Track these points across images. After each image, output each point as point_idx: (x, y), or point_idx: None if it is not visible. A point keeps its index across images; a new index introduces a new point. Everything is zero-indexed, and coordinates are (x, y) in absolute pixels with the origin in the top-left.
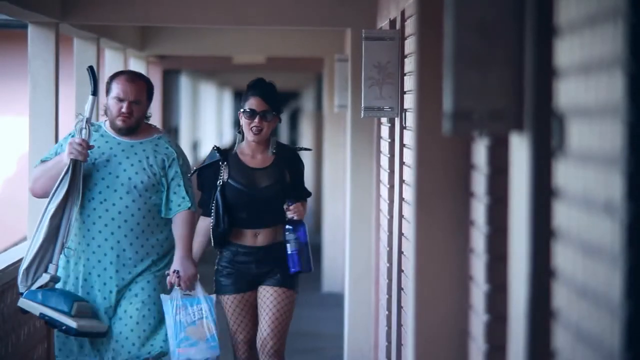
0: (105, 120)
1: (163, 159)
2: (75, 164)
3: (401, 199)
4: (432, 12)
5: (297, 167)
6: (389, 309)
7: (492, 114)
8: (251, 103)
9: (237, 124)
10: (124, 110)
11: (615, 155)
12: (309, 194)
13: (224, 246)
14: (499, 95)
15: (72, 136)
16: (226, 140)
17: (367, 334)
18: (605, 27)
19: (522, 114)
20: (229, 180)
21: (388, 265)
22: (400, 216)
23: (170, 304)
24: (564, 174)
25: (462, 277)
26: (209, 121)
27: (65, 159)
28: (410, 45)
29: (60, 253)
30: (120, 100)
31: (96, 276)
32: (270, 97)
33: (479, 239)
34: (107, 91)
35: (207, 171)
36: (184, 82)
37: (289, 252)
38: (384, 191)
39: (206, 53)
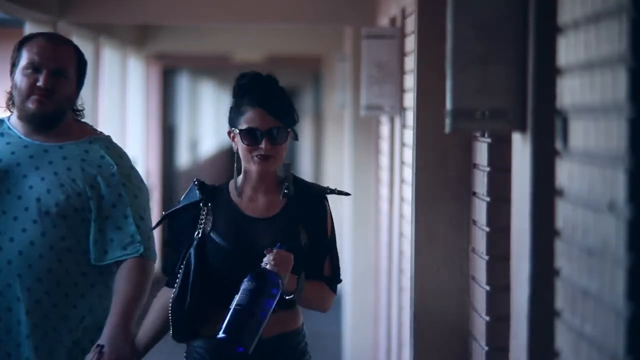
0: (10, 115)
1: (94, 174)
2: None
3: (401, 198)
4: (433, 9)
5: (320, 220)
6: (389, 309)
7: (494, 113)
8: (250, 118)
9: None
10: (40, 83)
11: (619, 153)
12: (337, 278)
13: (189, 338)
14: (501, 93)
15: None
16: (225, 139)
17: (367, 334)
18: (609, 25)
19: (524, 112)
20: (211, 234)
21: (388, 265)
22: (400, 216)
23: None
24: (566, 173)
25: (463, 277)
26: (208, 120)
27: None
28: (410, 43)
29: None
30: (34, 69)
31: None
32: (279, 106)
33: (480, 239)
34: (14, 63)
35: (183, 218)
36: (183, 81)
37: (231, 305)
38: (384, 191)
39: (205, 51)
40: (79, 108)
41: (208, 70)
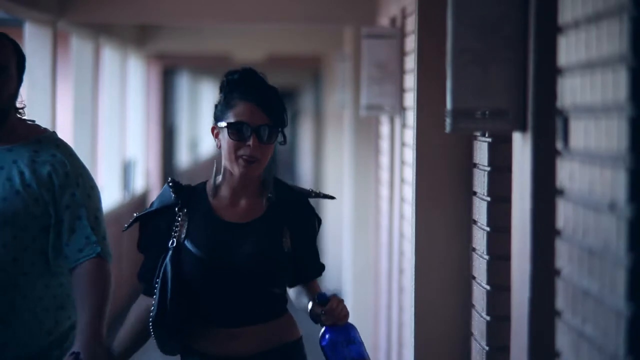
0: None
1: (49, 171)
2: None
3: (401, 198)
4: (433, 9)
5: (307, 225)
6: (389, 309)
7: (494, 112)
8: (240, 111)
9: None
10: None
11: (620, 153)
12: (321, 267)
13: (177, 352)
14: (501, 93)
15: None
16: None
17: (367, 334)
18: (609, 24)
19: (525, 112)
20: (185, 242)
21: (388, 265)
22: (401, 216)
23: None
24: (567, 172)
25: (463, 277)
26: (208, 120)
27: None
28: (410, 43)
29: None
30: None
31: None
32: (271, 103)
33: (480, 239)
34: None
35: (156, 222)
36: (183, 81)
37: None
38: (384, 191)
39: (205, 51)
40: (20, 107)
41: (208, 70)
